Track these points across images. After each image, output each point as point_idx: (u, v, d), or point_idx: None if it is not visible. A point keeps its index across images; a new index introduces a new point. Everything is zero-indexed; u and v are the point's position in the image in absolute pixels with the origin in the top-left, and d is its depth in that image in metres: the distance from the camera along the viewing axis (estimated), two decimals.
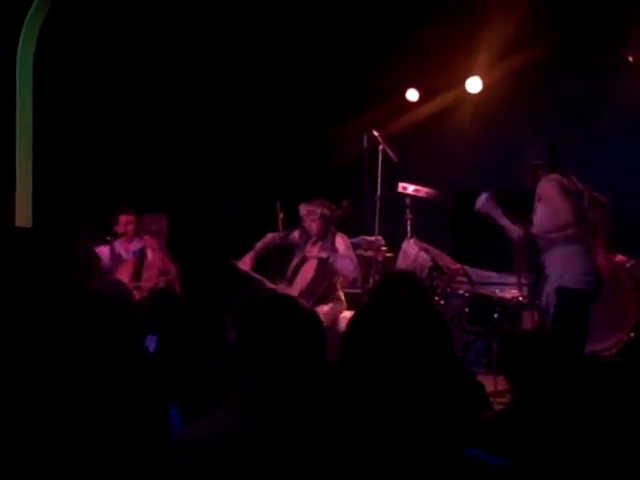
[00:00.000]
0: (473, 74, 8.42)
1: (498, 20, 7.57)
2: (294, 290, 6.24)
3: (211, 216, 8.72)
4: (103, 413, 2.28)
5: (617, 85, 7.71)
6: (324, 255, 6.32)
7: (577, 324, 5.26)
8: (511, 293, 6.50)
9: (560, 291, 5.31)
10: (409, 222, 7.45)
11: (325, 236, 6.40)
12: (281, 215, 6.97)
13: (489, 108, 8.37)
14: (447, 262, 7.04)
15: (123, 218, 7.29)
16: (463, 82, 8.48)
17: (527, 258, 5.78)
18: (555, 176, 5.36)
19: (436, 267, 6.87)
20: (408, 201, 7.50)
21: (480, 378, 4.01)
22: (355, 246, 6.94)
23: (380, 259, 7.17)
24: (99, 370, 2.36)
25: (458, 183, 8.47)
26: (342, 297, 6.45)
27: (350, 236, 6.83)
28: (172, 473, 2.20)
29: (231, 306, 3.47)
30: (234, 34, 8.33)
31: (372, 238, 7.30)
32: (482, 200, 5.61)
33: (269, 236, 6.75)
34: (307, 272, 6.39)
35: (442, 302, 6.64)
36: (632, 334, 6.68)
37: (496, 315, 6.44)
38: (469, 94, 8.57)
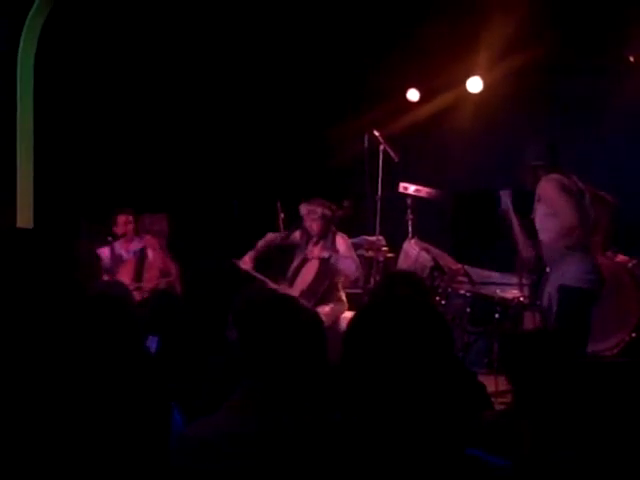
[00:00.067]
0: (474, 74, 8.42)
1: (499, 20, 7.57)
2: (295, 290, 6.24)
3: (211, 216, 8.72)
4: (105, 413, 2.28)
5: (617, 85, 7.72)
6: (325, 255, 6.31)
7: (579, 323, 5.25)
8: (512, 293, 6.49)
9: (562, 290, 5.30)
10: (410, 222, 7.45)
11: (326, 236, 6.40)
12: (282, 215, 6.98)
13: (490, 108, 8.38)
14: (448, 262, 7.03)
15: (122, 218, 7.29)
16: (464, 82, 8.48)
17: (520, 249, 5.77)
18: (555, 176, 5.34)
19: (437, 267, 6.87)
20: (409, 201, 7.50)
21: (481, 378, 4.01)
22: (356, 246, 6.93)
23: (381, 259, 7.17)
24: (100, 371, 2.36)
25: (459, 183, 8.47)
26: (343, 297, 6.44)
27: (351, 236, 6.83)
28: (173, 473, 2.20)
29: (232, 306, 3.47)
30: (235, 34, 8.33)
31: (373, 238, 7.30)
32: (505, 200, 5.60)
33: (270, 236, 6.75)
34: (308, 272, 6.39)
35: (443, 302, 6.64)
36: (633, 334, 6.67)
37: (497, 315, 6.43)
38: (470, 94, 8.57)
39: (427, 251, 7.05)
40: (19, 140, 6.83)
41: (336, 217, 6.44)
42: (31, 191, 6.94)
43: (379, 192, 7.36)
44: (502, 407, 4.20)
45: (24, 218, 6.79)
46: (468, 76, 8.44)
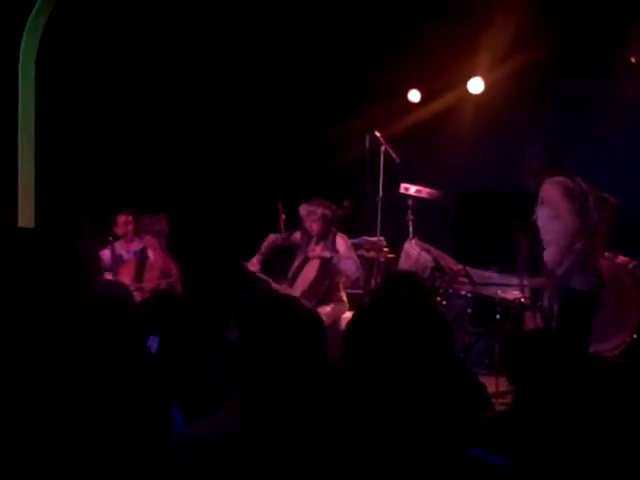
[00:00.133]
0: (475, 75, 8.42)
1: (500, 21, 7.57)
2: (296, 291, 6.24)
3: (212, 216, 8.72)
4: (105, 413, 2.28)
5: (617, 86, 7.72)
6: (327, 255, 6.32)
7: (579, 325, 5.25)
8: (513, 294, 6.49)
9: (562, 292, 5.30)
10: (411, 223, 7.44)
11: (326, 236, 6.40)
12: (283, 216, 6.97)
13: (491, 109, 8.38)
14: (449, 263, 7.03)
15: (121, 218, 7.30)
16: (465, 83, 8.48)
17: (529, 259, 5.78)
18: (559, 179, 5.32)
19: (438, 268, 6.87)
20: (410, 202, 7.50)
21: (482, 379, 4.01)
22: (357, 247, 6.93)
23: (382, 260, 7.17)
24: (101, 370, 2.36)
25: (460, 184, 8.47)
26: (344, 298, 6.45)
27: (352, 237, 6.83)
28: (174, 472, 2.21)
29: (233, 306, 3.47)
30: (236, 35, 8.33)
31: (374, 239, 7.30)
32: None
33: (272, 237, 6.74)
34: (309, 272, 6.39)
35: (444, 303, 6.65)
36: (635, 335, 6.68)
37: (498, 316, 6.44)
38: (471, 95, 8.57)
39: (428, 252, 7.05)
40: (20, 140, 6.83)
41: (336, 217, 6.44)
42: (32, 191, 6.94)
43: (380, 193, 7.37)
44: (503, 408, 4.20)
45: (25, 218, 6.79)
46: (469, 77, 8.44)
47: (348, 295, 6.51)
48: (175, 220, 7.43)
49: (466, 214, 8.74)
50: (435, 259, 6.95)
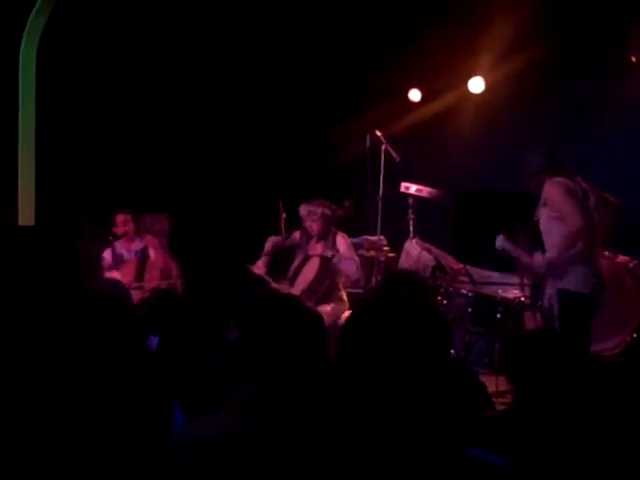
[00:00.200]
0: (475, 74, 8.41)
1: (500, 21, 7.57)
2: (296, 290, 6.24)
3: (213, 216, 8.72)
4: (106, 412, 2.28)
5: (618, 86, 7.72)
6: (328, 254, 6.32)
7: (579, 326, 5.25)
8: (513, 293, 6.50)
9: (563, 293, 5.29)
10: (411, 222, 7.45)
11: (326, 236, 6.41)
12: (284, 215, 6.98)
13: (491, 108, 8.38)
14: (449, 262, 7.04)
15: (120, 218, 7.29)
16: (465, 82, 8.48)
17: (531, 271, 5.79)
18: (560, 179, 5.32)
19: (439, 267, 6.87)
20: (410, 201, 7.50)
21: (482, 378, 4.00)
22: (357, 246, 6.94)
23: (382, 259, 7.17)
24: (101, 369, 2.36)
25: (460, 183, 8.47)
26: (344, 297, 6.45)
27: (352, 236, 6.83)
28: (174, 471, 2.21)
29: (233, 305, 3.48)
30: (236, 35, 8.33)
31: (374, 238, 7.30)
32: (500, 240, 5.60)
33: (271, 239, 6.70)
34: (309, 271, 6.40)
35: (445, 302, 6.65)
36: (635, 335, 6.68)
37: (498, 315, 6.44)
38: (471, 94, 8.57)
39: (428, 251, 7.06)
40: (21, 140, 6.83)
41: (336, 217, 6.45)
42: (33, 190, 6.94)
43: (381, 192, 7.37)
44: (503, 407, 4.20)
45: (26, 217, 6.79)
46: (470, 77, 8.43)
47: (348, 295, 6.51)
48: (175, 220, 7.43)
49: (466, 214, 8.74)
50: (436, 258, 6.96)
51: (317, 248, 6.43)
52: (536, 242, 5.50)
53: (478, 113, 8.57)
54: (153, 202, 7.70)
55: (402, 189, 7.53)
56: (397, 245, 7.42)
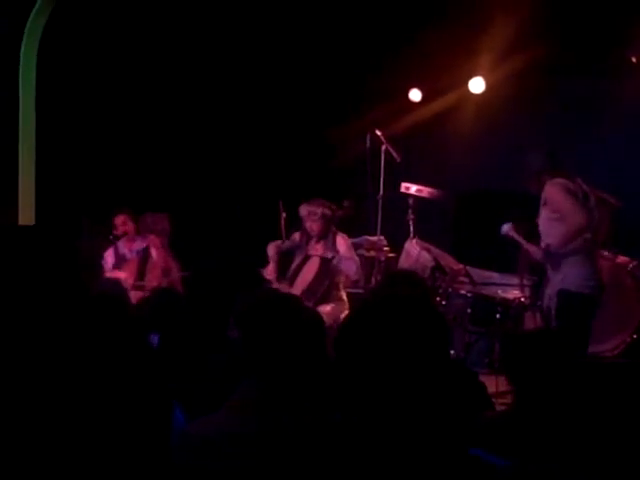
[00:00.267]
0: (476, 75, 8.41)
1: (500, 21, 7.57)
2: (296, 290, 6.24)
3: (213, 216, 8.72)
4: (107, 411, 2.28)
5: (618, 86, 7.72)
6: (329, 255, 6.32)
7: (579, 327, 5.24)
8: (513, 294, 6.50)
9: (563, 294, 5.28)
10: (411, 222, 7.44)
11: (326, 236, 6.41)
12: (284, 215, 6.97)
13: (492, 109, 8.38)
14: (449, 262, 7.04)
15: (120, 218, 7.30)
16: (466, 83, 8.48)
17: (530, 259, 5.78)
18: (560, 180, 5.31)
19: (438, 267, 6.87)
20: (410, 201, 7.50)
21: (482, 378, 4.00)
22: (357, 246, 6.94)
23: (382, 259, 7.17)
24: (102, 368, 2.36)
25: (460, 183, 8.47)
26: (344, 297, 6.45)
27: (352, 236, 6.83)
28: (174, 470, 2.21)
29: (234, 305, 3.47)
30: (236, 35, 8.33)
31: (374, 238, 7.30)
32: (505, 228, 5.60)
33: (273, 244, 6.68)
34: (309, 271, 6.40)
35: (444, 302, 6.65)
36: (635, 335, 6.68)
37: (498, 315, 6.44)
38: (472, 94, 8.57)
39: (428, 251, 7.05)
40: (21, 140, 6.84)
41: (336, 217, 6.45)
42: (33, 191, 6.95)
43: (381, 192, 7.37)
44: (503, 407, 4.20)
45: (26, 218, 6.80)
46: (470, 77, 8.43)
47: (348, 295, 6.51)
48: (175, 220, 7.43)
49: (466, 214, 8.74)
50: (435, 258, 6.95)
51: (317, 248, 6.43)
52: (537, 241, 5.50)
53: (478, 113, 8.57)
54: (153, 202, 7.70)
55: (402, 189, 7.53)
56: (397, 245, 7.42)
